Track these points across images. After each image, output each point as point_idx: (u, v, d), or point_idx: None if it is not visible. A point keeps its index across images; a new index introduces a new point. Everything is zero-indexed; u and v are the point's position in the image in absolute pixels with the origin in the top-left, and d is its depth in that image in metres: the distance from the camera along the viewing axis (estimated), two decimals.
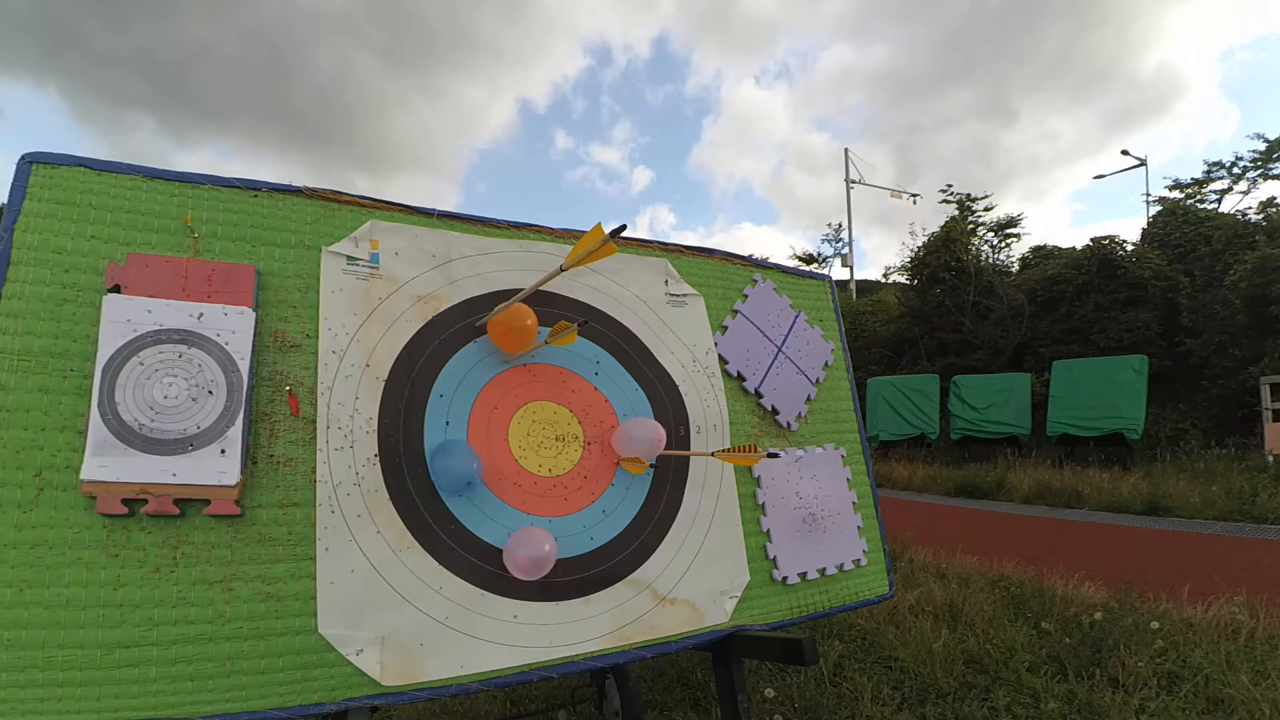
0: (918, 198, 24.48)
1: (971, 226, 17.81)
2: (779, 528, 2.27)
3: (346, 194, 1.86)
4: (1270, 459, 9.46)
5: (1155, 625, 3.40)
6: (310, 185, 1.81)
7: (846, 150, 24.82)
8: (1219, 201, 16.70)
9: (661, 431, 1.98)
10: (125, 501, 1.42)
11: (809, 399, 2.53)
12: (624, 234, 1.65)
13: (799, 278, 2.73)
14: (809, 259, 25.49)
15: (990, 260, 17.52)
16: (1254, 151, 16.10)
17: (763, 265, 2.64)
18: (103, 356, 1.46)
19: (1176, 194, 17.27)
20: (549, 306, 2.03)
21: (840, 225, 25.62)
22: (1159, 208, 16.87)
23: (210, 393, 1.54)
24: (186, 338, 1.55)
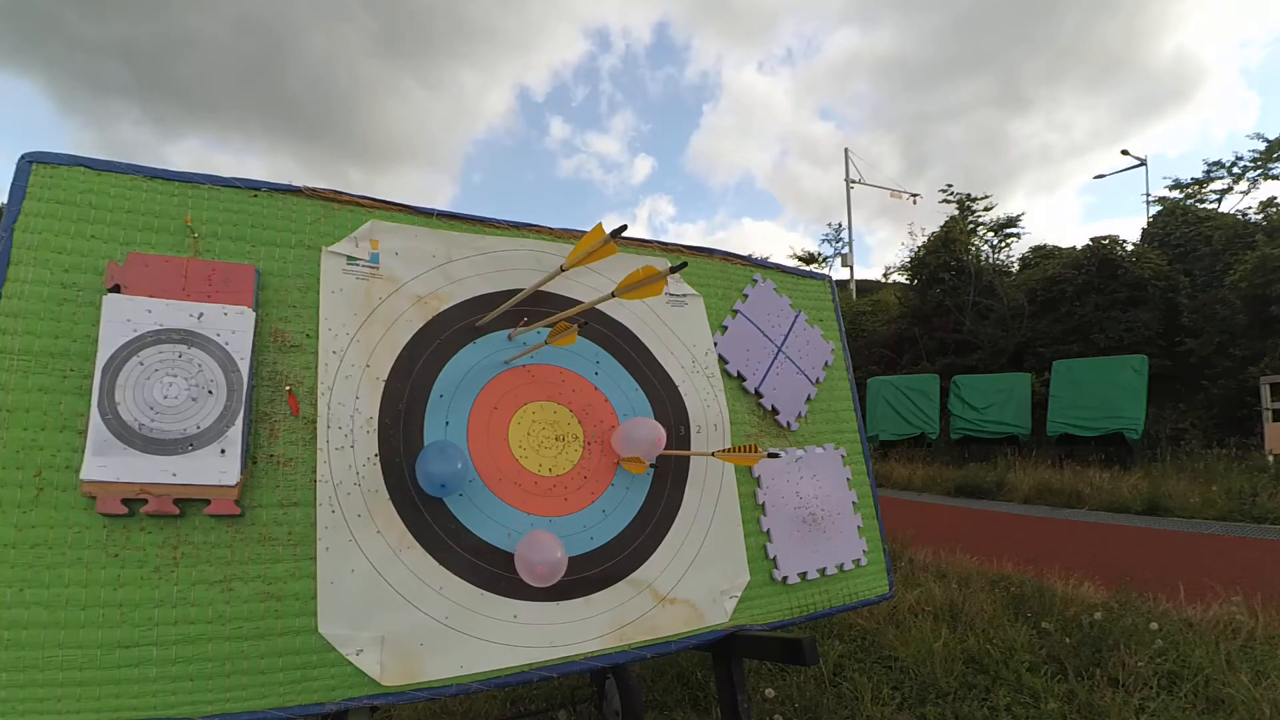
0: (918, 197, 24.48)
1: (971, 226, 17.81)
2: (779, 528, 2.27)
3: (346, 194, 1.86)
4: (1270, 459, 9.46)
5: (1155, 625, 3.40)
6: (309, 185, 1.81)
7: (847, 150, 24.84)
8: (1219, 201, 16.70)
9: (661, 431, 1.98)
10: (125, 501, 1.42)
11: (809, 399, 2.53)
12: (624, 233, 1.65)
13: (799, 277, 2.73)
14: (809, 259, 25.49)
15: (990, 260, 17.52)
16: (1254, 151, 16.11)
17: (763, 265, 2.64)
18: (103, 356, 1.46)
19: (1176, 194, 17.28)
20: (549, 306, 2.03)
21: (840, 225, 25.65)
22: (1159, 207, 16.88)
23: (210, 393, 1.54)
24: (186, 338, 1.55)
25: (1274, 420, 9.94)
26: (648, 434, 1.97)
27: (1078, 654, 3.15)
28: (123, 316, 1.50)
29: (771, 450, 1.95)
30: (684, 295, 2.34)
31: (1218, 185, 16.76)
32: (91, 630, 1.36)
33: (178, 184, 1.66)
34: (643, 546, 1.98)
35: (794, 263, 20.29)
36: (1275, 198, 15.03)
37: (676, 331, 2.28)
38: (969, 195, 18.20)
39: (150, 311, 1.53)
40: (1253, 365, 11.22)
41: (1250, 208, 15.29)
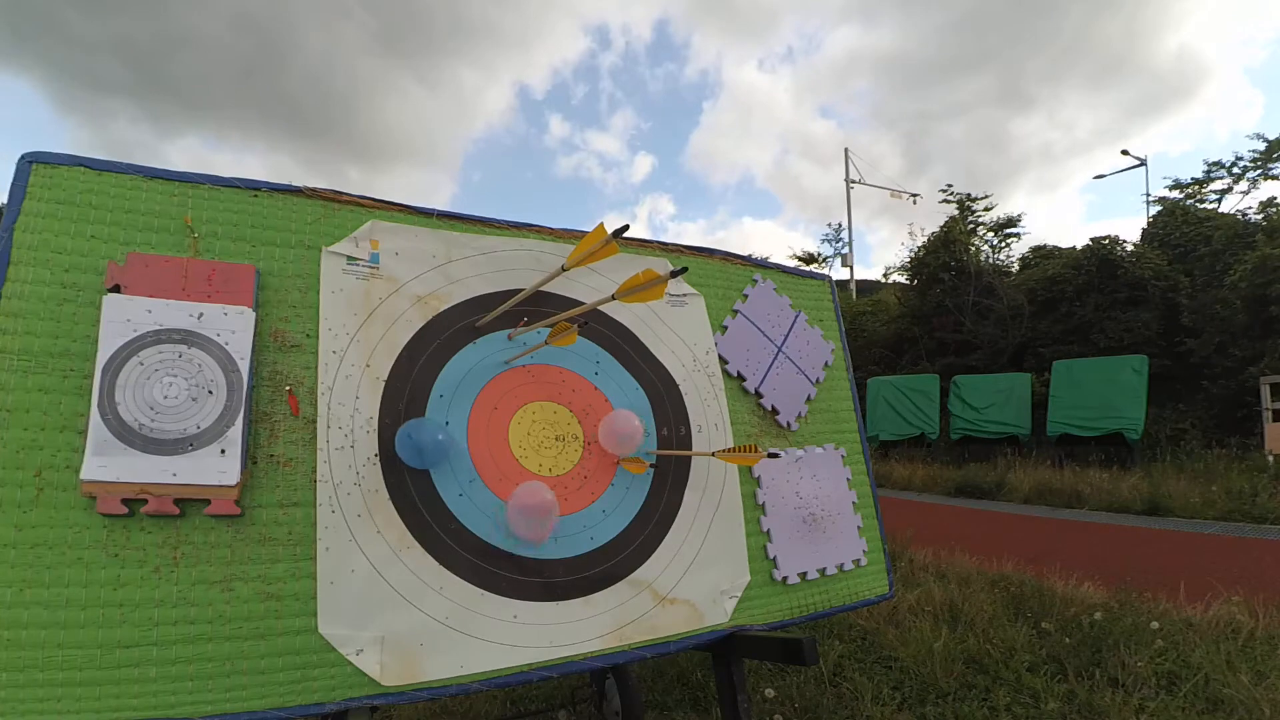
0: (918, 198, 24.47)
1: (971, 226, 17.81)
2: (779, 528, 2.27)
3: (346, 194, 1.86)
4: (1270, 459, 9.45)
5: (1155, 625, 3.40)
6: (309, 184, 1.81)
7: (847, 150, 24.83)
8: (1219, 201, 16.70)
9: (636, 422, 1.96)
10: (125, 501, 1.42)
11: (809, 399, 2.53)
12: (625, 234, 1.65)
13: (799, 277, 2.73)
14: (809, 259, 25.49)
15: (990, 260, 17.51)
16: (1254, 151, 16.11)
17: (763, 265, 2.64)
18: (103, 356, 1.46)
19: (1176, 194, 17.28)
20: (549, 306, 2.03)
21: (840, 225, 25.66)
22: (1159, 207, 16.88)
23: (210, 393, 1.54)
24: (186, 338, 1.55)
25: (1274, 420, 9.94)
26: (623, 426, 1.95)
27: (1078, 654, 3.15)
28: (123, 316, 1.50)
29: (771, 450, 1.95)
30: (684, 295, 2.34)
31: (1218, 185, 16.77)
32: (91, 630, 1.36)
33: (178, 184, 1.66)
34: (643, 546, 1.98)
35: (794, 263, 20.30)
36: (1275, 198, 15.05)
37: (677, 331, 2.28)
38: (969, 195, 18.19)
39: (150, 311, 1.53)
40: (1253, 365, 11.22)
41: (1250, 208, 15.29)
